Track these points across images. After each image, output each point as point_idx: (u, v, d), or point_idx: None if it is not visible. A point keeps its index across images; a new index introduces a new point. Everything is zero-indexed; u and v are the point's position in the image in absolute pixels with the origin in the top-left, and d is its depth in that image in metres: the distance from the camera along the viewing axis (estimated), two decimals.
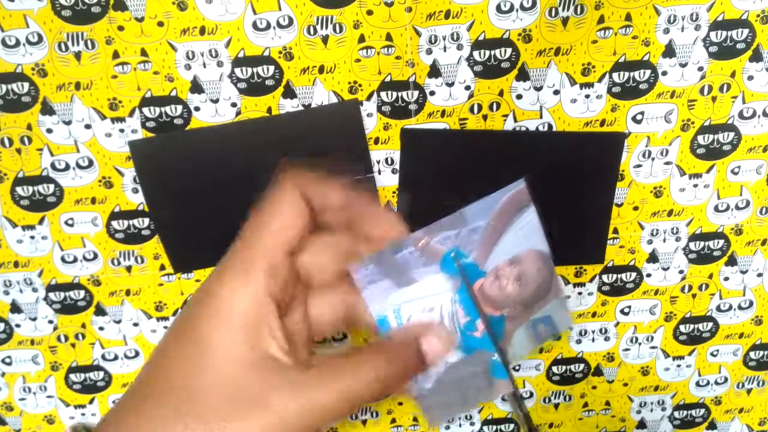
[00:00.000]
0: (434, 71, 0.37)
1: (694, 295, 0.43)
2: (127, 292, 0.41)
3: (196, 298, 0.27)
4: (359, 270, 0.29)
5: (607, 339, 0.44)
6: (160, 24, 0.35)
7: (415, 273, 0.30)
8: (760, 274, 0.42)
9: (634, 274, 0.42)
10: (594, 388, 0.45)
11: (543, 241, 0.31)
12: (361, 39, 0.36)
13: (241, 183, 0.37)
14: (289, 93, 0.37)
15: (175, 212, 0.38)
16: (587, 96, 0.38)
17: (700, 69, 0.37)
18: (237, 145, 0.37)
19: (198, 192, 0.38)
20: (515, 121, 0.38)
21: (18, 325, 0.41)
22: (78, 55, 0.35)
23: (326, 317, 0.30)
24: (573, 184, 0.39)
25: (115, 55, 0.36)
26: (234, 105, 0.37)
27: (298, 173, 0.28)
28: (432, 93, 0.37)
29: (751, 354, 0.44)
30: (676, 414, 0.46)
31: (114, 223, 0.39)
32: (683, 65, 0.37)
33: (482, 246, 0.30)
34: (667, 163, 0.39)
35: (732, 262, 0.42)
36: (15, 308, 0.41)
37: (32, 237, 0.39)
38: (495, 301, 0.31)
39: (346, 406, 0.26)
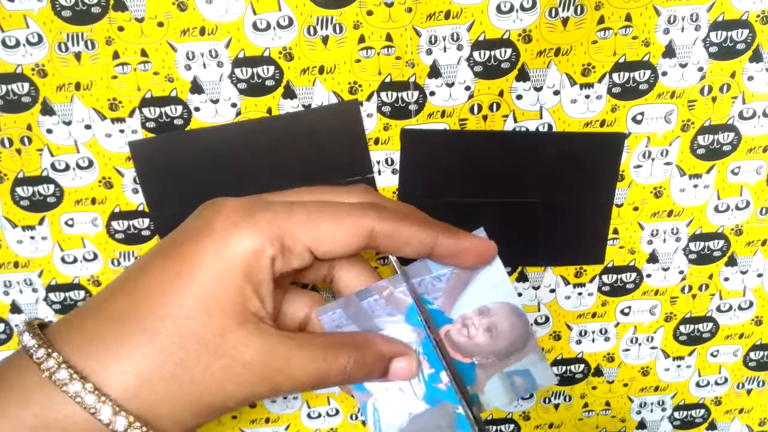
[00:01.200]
0: (434, 72, 0.37)
1: (694, 296, 0.43)
2: None
3: (195, 225, 0.27)
4: (326, 315, 0.30)
5: (607, 339, 0.44)
6: (160, 24, 0.35)
7: (379, 321, 0.30)
8: (760, 275, 0.42)
9: (634, 275, 0.42)
10: (594, 388, 0.45)
11: (513, 294, 0.31)
12: (361, 39, 0.36)
13: (241, 183, 0.38)
14: (289, 93, 0.37)
15: (174, 212, 0.38)
16: (587, 96, 0.38)
17: (700, 69, 0.37)
18: (237, 145, 0.37)
19: (198, 192, 0.38)
20: (515, 121, 0.38)
21: (18, 326, 0.41)
22: (78, 56, 0.36)
23: (290, 316, 0.31)
24: (573, 185, 0.39)
25: (115, 55, 0.36)
26: (234, 105, 0.37)
27: (378, 214, 0.28)
28: (432, 93, 0.37)
29: (751, 354, 0.44)
30: (676, 414, 0.46)
31: (114, 224, 0.39)
32: (683, 66, 0.37)
33: (448, 294, 0.31)
34: (667, 164, 0.39)
35: (732, 262, 0.42)
36: (15, 309, 0.41)
37: (32, 237, 0.39)
38: (463, 349, 0.31)
39: (309, 384, 0.27)
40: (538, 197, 0.39)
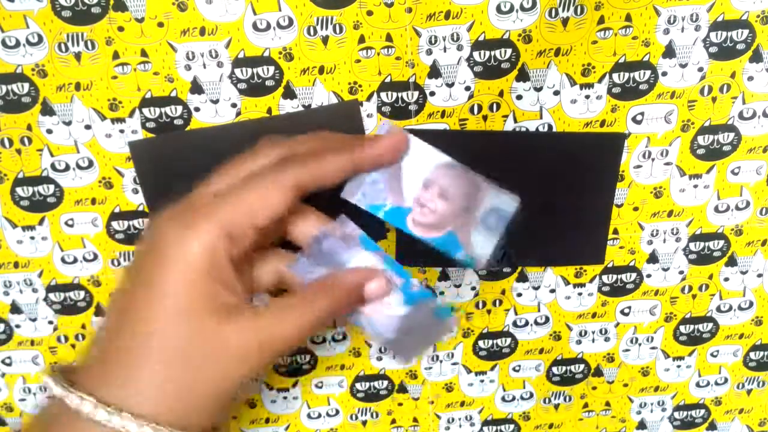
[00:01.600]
0: (434, 72, 0.37)
1: (694, 296, 0.43)
2: None
3: (148, 251, 0.29)
4: (295, 267, 0.33)
5: (607, 339, 0.44)
6: (160, 24, 0.35)
7: (343, 257, 0.33)
8: (760, 275, 0.42)
9: (634, 275, 0.42)
10: (594, 388, 0.45)
11: (439, 154, 0.33)
12: (361, 39, 0.36)
13: None
14: (289, 93, 0.37)
15: None
16: (587, 96, 0.38)
17: (700, 69, 0.37)
18: (237, 145, 0.37)
19: None
20: (515, 121, 0.38)
21: (18, 326, 0.41)
22: (78, 56, 0.36)
23: (264, 279, 0.33)
24: (573, 185, 0.39)
25: (115, 55, 0.36)
26: (234, 105, 0.37)
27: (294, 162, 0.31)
28: (432, 93, 0.37)
29: (752, 354, 0.44)
30: (676, 414, 0.46)
31: (114, 224, 0.39)
32: (683, 66, 0.37)
33: (390, 190, 0.33)
34: (667, 164, 0.39)
35: (732, 262, 0.42)
36: (15, 309, 0.41)
37: (32, 237, 0.39)
38: (433, 225, 0.33)
39: (302, 334, 0.30)
40: (538, 197, 0.39)
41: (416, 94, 0.37)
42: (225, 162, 0.32)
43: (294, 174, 0.30)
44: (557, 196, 0.39)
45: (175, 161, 0.37)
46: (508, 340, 0.43)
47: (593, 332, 0.43)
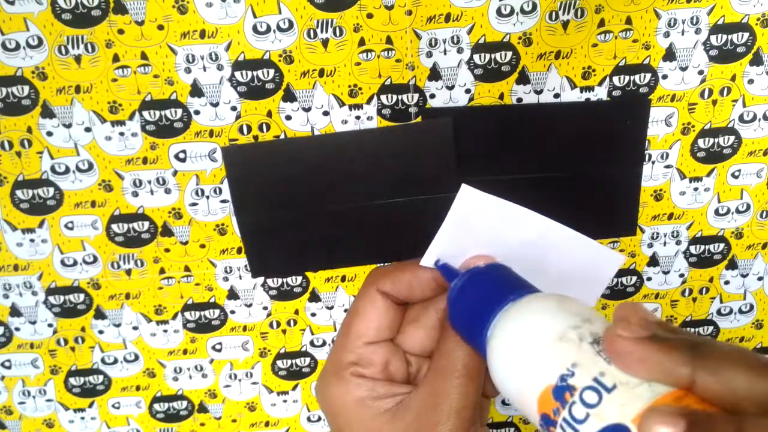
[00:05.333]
0: (434, 74, 0.37)
1: (694, 299, 0.43)
2: (127, 296, 0.41)
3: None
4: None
5: None
6: (160, 27, 0.35)
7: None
8: (760, 278, 0.42)
9: (634, 278, 0.42)
10: None
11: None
12: (362, 42, 0.36)
13: (329, 194, 0.38)
14: (289, 96, 0.37)
15: (259, 219, 0.39)
16: (587, 99, 0.38)
17: (701, 72, 0.37)
18: (328, 157, 0.37)
19: (285, 200, 0.38)
20: None
21: (17, 329, 0.41)
22: (78, 59, 0.35)
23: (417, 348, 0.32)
24: (600, 156, 0.38)
25: (115, 58, 0.36)
26: (234, 108, 0.37)
27: (377, 272, 0.31)
28: (432, 96, 0.37)
29: None
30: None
31: (114, 227, 0.39)
32: (683, 69, 0.37)
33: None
34: (668, 167, 0.39)
35: (732, 265, 0.42)
36: (15, 311, 0.41)
37: (32, 240, 0.39)
38: None
39: (477, 378, 0.28)
40: (566, 171, 0.38)
41: (416, 96, 0.37)
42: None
43: (372, 278, 0.31)
44: (586, 168, 0.38)
45: (265, 169, 0.38)
46: None
47: None
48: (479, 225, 0.29)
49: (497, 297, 0.25)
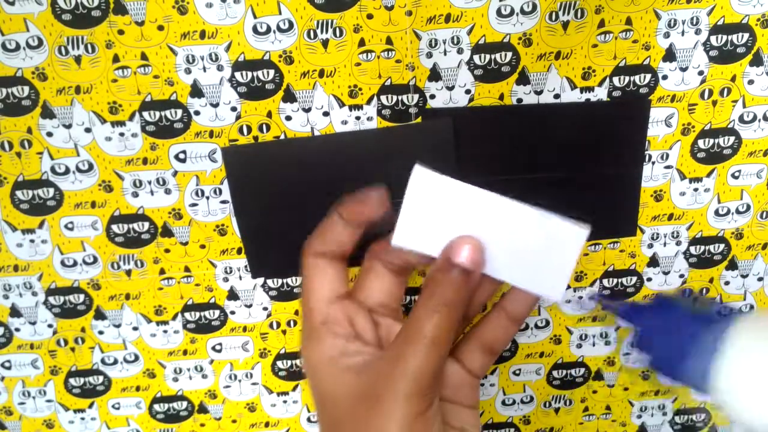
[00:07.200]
0: (434, 75, 0.37)
1: None
2: (127, 296, 0.41)
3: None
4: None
5: (607, 343, 0.43)
6: (161, 28, 0.35)
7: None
8: (760, 279, 0.42)
9: (634, 279, 0.42)
10: (594, 392, 0.45)
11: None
12: (361, 43, 0.36)
13: (329, 195, 0.38)
14: (289, 97, 0.37)
15: (259, 222, 0.39)
16: (588, 100, 0.38)
17: (701, 73, 0.37)
18: (328, 157, 0.37)
19: (285, 201, 0.38)
20: None
21: (17, 329, 0.41)
22: (78, 59, 0.35)
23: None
24: (600, 157, 0.38)
25: (115, 58, 0.36)
26: (234, 109, 0.37)
27: (306, 241, 0.33)
28: (432, 96, 0.37)
29: None
30: (677, 419, 0.46)
31: (114, 227, 0.39)
32: (684, 69, 0.37)
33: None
34: (668, 167, 0.39)
35: (732, 266, 0.42)
36: (14, 312, 0.41)
37: (32, 241, 0.39)
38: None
39: (440, 346, 0.29)
40: (566, 171, 0.38)
41: (416, 97, 0.37)
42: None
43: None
44: (585, 169, 0.38)
45: (266, 170, 0.38)
46: (509, 343, 0.43)
47: (594, 336, 0.43)
48: (440, 206, 0.30)
49: (714, 324, 0.28)
